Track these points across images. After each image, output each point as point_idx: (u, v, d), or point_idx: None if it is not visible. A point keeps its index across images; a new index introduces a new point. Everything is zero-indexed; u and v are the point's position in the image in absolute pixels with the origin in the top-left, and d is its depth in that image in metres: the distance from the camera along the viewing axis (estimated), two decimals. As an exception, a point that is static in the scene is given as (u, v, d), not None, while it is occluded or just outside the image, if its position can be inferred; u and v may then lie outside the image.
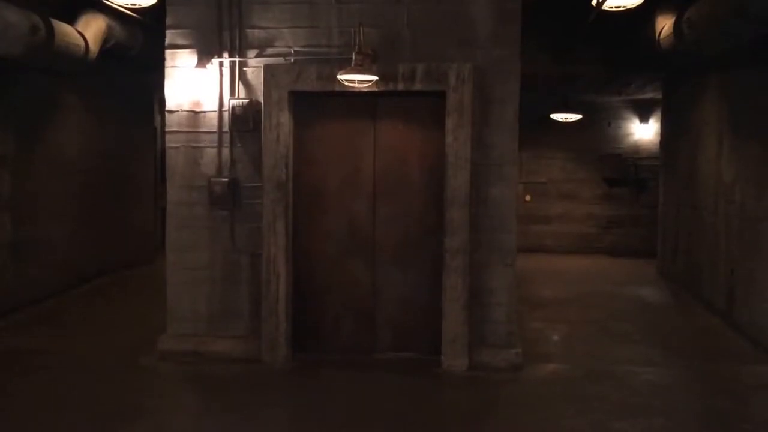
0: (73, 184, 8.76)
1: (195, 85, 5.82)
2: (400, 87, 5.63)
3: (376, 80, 5.47)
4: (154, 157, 11.15)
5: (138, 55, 8.52)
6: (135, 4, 6.16)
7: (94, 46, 7.51)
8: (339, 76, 5.34)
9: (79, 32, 7.27)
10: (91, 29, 7.53)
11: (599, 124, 13.17)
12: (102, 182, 9.52)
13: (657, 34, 7.44)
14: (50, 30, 6.54)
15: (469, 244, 5.63)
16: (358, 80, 5.41)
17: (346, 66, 5.29)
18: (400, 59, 5.64)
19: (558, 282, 10.04)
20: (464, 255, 5.62)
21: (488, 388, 5.38)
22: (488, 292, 5.73)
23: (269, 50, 5.78)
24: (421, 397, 5.22)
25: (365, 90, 5.56)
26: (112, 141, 9.78)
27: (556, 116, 11.85)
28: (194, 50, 5.81)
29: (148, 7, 6.07)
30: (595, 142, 13.20)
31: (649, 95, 12.02)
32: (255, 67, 5.79)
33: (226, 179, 5.83)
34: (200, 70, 5.81)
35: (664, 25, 7.23)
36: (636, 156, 13.19)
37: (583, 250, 12.73)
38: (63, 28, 6.88)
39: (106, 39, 7.87)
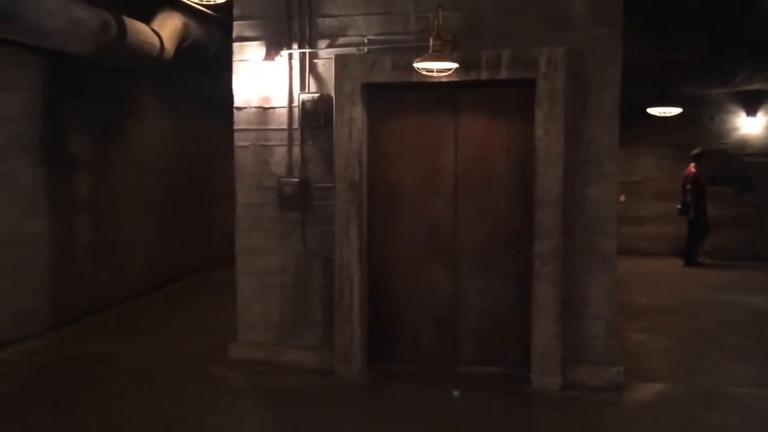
0: (151, 185, 8.68)
1: (263, 80, 5.50)
2: (484, 75, 5.11)
3: (457, 68, 4.98)
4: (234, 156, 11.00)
5: (216, 54, 8.34)
6: (210, 1, 5.92)
7: (169, 45, 7.36)
8: (416, 65, 4.88)
9: (154, 31, 7.13)
10: (167, 28, 7.39)
11: (700, 118, 12.26)
12: (181, 183, 9.43)
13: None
14: (122, 27, 6.39)
15: (561, 249, 5.04)
16: (437, 69, 4.94)
17: (424, 54, 4.82)
18: (484, 45, 5.13)
19: (655, 288, 9.24)
20: (556, 261, 5.04)
21: (586, 411, 4.76)
22: (584, 302, 5.12)
23: (341, 40, 5.38)
24: (509, 420, 4.67)
25: (445, 80, 5.08)
26: (191, 141, 9.69)
27: (654, 110, 11.00)
28: (262, 42, 5.49)
29: (225, 4, 5.82)
30: (696, 138, 12.24)
31: (757, 86, 11.03)
32: (326, 58, 5.41)
33: (297, 179, 5.48)
34: (269, 63, 5.47)
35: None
36: (741, 152, 12.15)
37: (680, 253, 11.77)
38: (136, 26, 6.73)
39: (183, 38, 7.72)
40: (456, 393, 5.16)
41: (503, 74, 5.08)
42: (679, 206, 11.36)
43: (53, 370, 5.70)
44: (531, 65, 5.04)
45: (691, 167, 11.21)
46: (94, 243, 7.45)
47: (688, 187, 11.13)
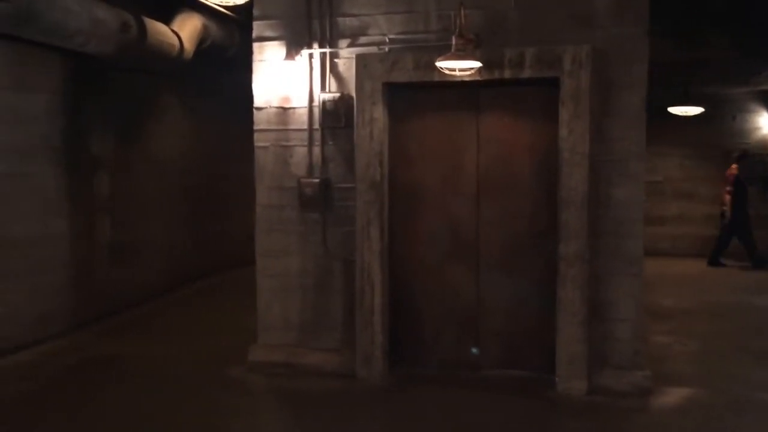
0: (171, 185, 8.68)
1: (284, 80, 5.46)
2: (507, 74, 5.03)
3: (480, 67, 4.90)
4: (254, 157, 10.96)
5: (235, 54, 8.35)
6: (229, 2, 5.91)
7: (189, 46, 7.37)
8: (438, 64, 4.82)
9: (174, 31, 7.13)
10: (186, 28, 7.40)
11: (722, 117, 12.08)
12: (200, 183, 9.43)
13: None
14: (142, 28, 6.40)
15: (587, 251, 4.95)
16: (459, 68, 4.87)
17: (446, 53, 4.76)
18: (507, 43, 5.05)
19: (679, 289, 9.09)
20: (582, 263, 4.95)
21: (613, 417, 4.66)
22: (610, 305, 5.03)
23: (362, 39, 5.33)
24: (535, 426, 4.59)
25: (467, 79, 5.01)
26: (212, 141, 9.68)
27: (675, 110, 10.84)
28: (283, 42, 5.45)
29: (245, 5, 5.81)
30: (718, 138, 12.08)
31: (781, 85, 10.86)
32: (347, 58, 5.36)
33: (317, 180, 5.43)
34: (289, 62, 5.43)
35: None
36: (764, 152, 11.96)
37: (703, 253, 11.61)
38: (156, 26, 6.74)
39: (202, 38, 7.73)
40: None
41: (527, 73, 5.00)
42: (724, 207, 11.10)
43: (73, 372, 5.70)
44: (555, 64, 4.95)
45: (733, 168, 11.01)
46: (114, 243, 7.47)
47: (728, 188, 10.93)
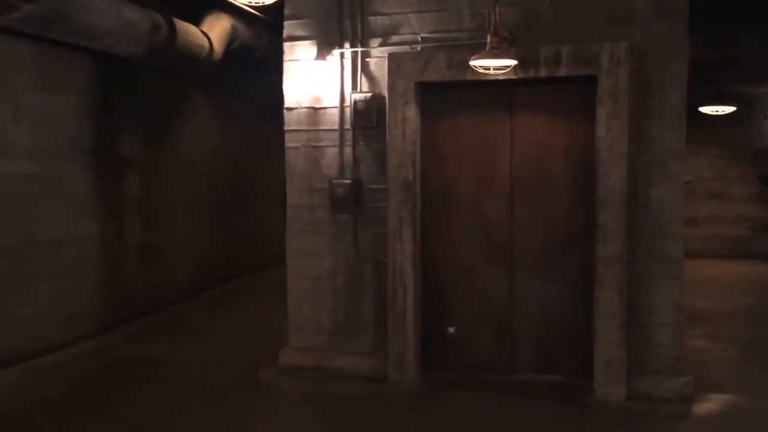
0: (199, 186, 8.67)
1: (314, 80, 5.41)
2: (542, 73, 4.94)
3: (515, 66, 4.80)
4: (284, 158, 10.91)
5: (264, 55, 8.32)
6: (259, 2, 5.87)
7: (218, 47, 7.35)
8: (472, 62, 4.72)
9: (204, 32, 7.12)
10: (215, 29, 7.39)
11: (754, 117, 11.85)
12: (231, 184, 9.42)
13: None
14: (172, 29, 6.39)
15: (625, 253, 4.84)
16: (494, 66, 4.77)
17: (479, 51, 4.66)
18: (542, 41, 4.95)
19: (714, 291, 8.89)
20: (620, 265, 4.83)
21: (653, 424, 4.54)
22: (649, 309, 4.90)
23: (394, 38, 5.26)
24: None
25: (501, 78, 4.91)
26: (241, 142, 9.67)
27: (706, 109, 10.63)
28: (314, 41, 5.40)
29: (274, 5, 5.77)
30: (749, 137, 11.87)
31: (816, 83, 10.61)
32: (378, 57, 5.30)
33: (349, 180, 5.37)
34: (320, 62, 5.38)
35: None
36: None
37: (735, 254, 11.41)
38: (186, 27, 6.72)
39: (231, 40, 7.71)
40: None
41: (563, 71, 4.90)
42: None
43: (102, 374, 5.70)
44: (592, 61, 4.85)
45: None
46: (143, 244, 7.47)
47: None
